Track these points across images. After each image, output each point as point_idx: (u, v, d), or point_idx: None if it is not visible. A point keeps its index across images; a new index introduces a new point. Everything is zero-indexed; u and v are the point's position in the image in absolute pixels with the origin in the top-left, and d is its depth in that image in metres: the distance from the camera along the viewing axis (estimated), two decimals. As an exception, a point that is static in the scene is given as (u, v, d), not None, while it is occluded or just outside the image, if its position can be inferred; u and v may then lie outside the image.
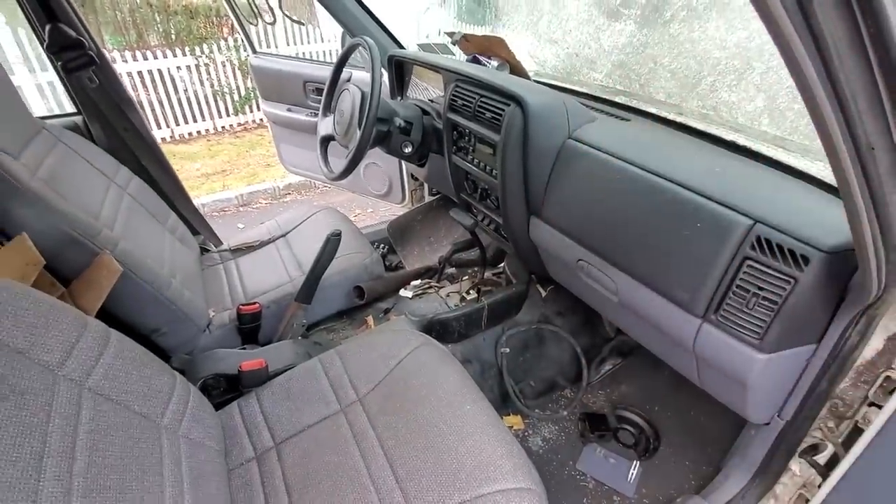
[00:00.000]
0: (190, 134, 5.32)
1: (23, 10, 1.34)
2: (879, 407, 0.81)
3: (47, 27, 1.31)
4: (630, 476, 1.27)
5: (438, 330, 1.38)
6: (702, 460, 1.29)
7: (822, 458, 0.99)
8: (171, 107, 5.14)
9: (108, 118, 1.49)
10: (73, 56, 1.35)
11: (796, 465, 1.01)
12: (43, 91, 4.37)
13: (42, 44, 1.36)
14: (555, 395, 1.49)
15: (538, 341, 1.49)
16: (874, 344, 0.80)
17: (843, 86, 0.42)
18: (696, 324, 0.85)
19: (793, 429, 0.94)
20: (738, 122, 1.11)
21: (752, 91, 1.13)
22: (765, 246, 0.75)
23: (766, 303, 0.75)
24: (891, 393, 0.79)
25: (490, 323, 1.44)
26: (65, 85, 1.45)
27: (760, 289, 0.76)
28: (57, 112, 1.60)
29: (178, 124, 5.24)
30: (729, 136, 1.02)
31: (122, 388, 0.81)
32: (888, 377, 0.82)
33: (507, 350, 1.42)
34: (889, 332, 0.78)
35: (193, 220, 1.80)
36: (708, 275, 0.81)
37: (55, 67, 1.41)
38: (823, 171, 0.87)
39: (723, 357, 0.83)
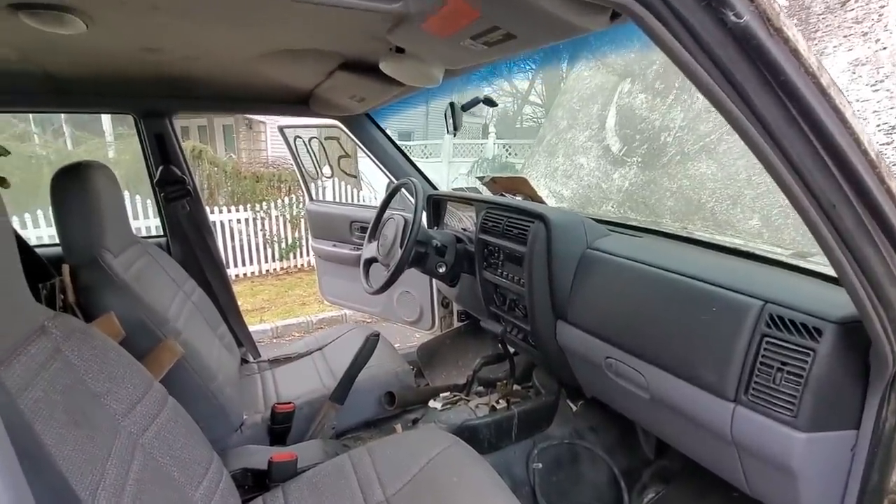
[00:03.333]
0: (237, 276, 5.78)
1: (144, 155, 1.71)
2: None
3: (160, 167, 1.65)
4: None
5: (468, 437, 1.34)
6: None
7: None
8: (225, 252, 5.70)
9: (189, 239, 1.75)
10: (175, 189, 1.67)
11: None
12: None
13: (152, 180, 1.69)
14: (595, 526, 1.35)
15: (572, 459, 1.41)
16: (918, 426, 0.78)
17: (790, 153, 0.56)
18: (729, 408, 0.86)
19: (860, 539, 0.85)
20: (742, 236, 1.24)
21: (748, 212, 1.29)
22: (779, 322, 0.80)
23: (791, 376, 0.78)
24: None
25: (520, 434, 1.40)
26: (161, 211, 1.75)
27: (784, 364, 0.79)
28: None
29: (228, 267, 5.74)
30: (730, 242, 1.14)
31: (168, 451, 0.84)
32: (944, 467, 0.78)
33: (540, 465, 1.35)
34: (928, 411, 0.77)
35: (240, 333, 1.92)
36: (732, 354, 0.85)
37: (156, 197, 1.73)
38: (823, 267, 0.96)
39: (763, 440, 0.82)
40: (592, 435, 1.45)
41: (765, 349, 0.81)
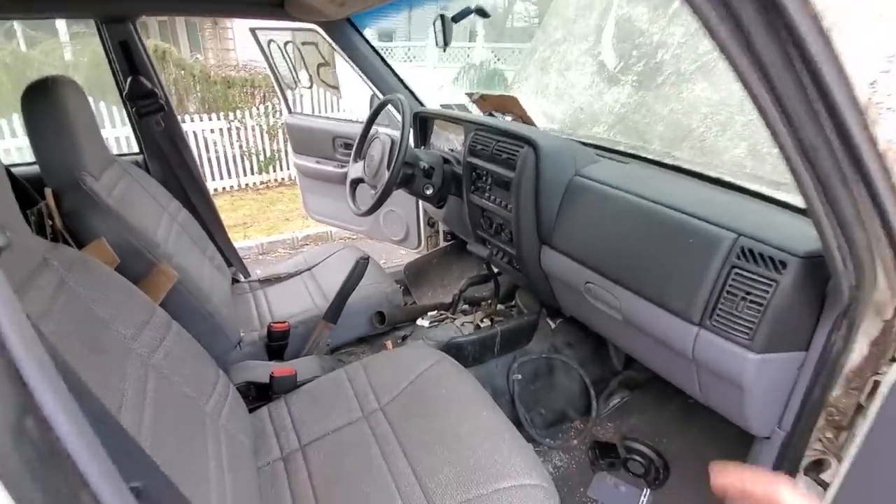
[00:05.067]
0: (216, 189, 5.64)
1: (109, 64, 1.58)
2: (869, 412, 0.87)
3: (129, 79, 1.54)
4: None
5: (454, 353, 1.46)
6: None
7: (827, 477, 1.02)
8: (201, 164, 5.50)
9: (167, 156, 1.69)
10: (147, 103, 1.57)
11: (802, 483, 1.04)
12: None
13: (121, 93, 1.59)
14: (565, 425, 1.53)
15: (548, 371, 1.55)
16: (859, 349, 0.88)
17: (784, 100, 0.56)
18: (693, 331, 0.95)
19: (793, 441, 0.99)
20: (725, 166, 1.26)
21: (736, 140, 1.30)
22: (748, 255, 0.86)
23: (753, 305, 0.85)
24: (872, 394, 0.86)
25: (502, 350, 1.52)
26: (134, 127, 1.67)
27: (748, 293, 0.86)
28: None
29: (205, 180, 5.58)
30: (715, 173, 1.16)
31: (178, 370, 0.90)
32: (876, 382, 0.89)
33: (519, 377, 1.48)
34: (871, 337, 0.86)
35: (228, 253, 1.94)
36: (701, 284, 0.92)
37: (128, 112, 1.63)
38: (797, 200, 1.00)
39: (719, 359, 0.91)
40: (568, 349, 1.58)
41: (732, 279, 0.88)
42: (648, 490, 1.30)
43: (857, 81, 0.54)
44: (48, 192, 1.13)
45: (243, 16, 1.91)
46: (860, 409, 0.92)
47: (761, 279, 0.84)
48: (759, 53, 0.53)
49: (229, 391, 1.04)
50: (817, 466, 1.02)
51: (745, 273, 0.86)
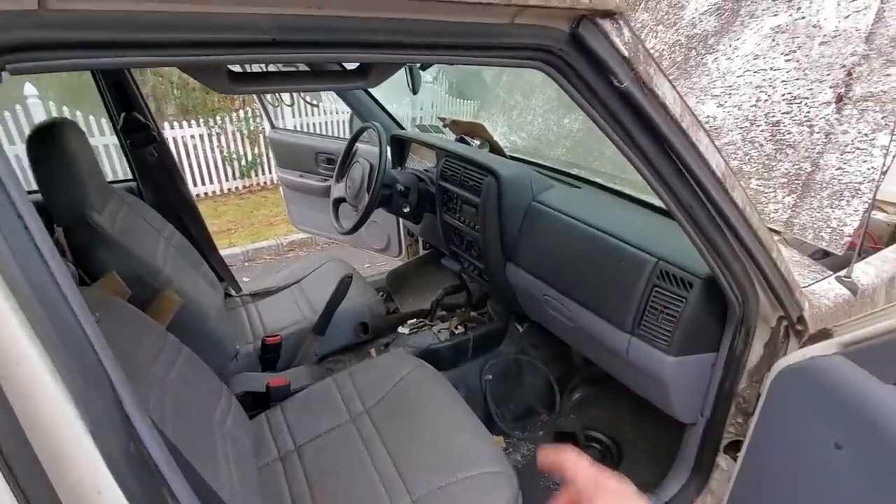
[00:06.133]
0: (198, 195, 5.68)
1: (103, 100, 1.70)
2: (766, 400, 1.07)
3: (123, 114, 1.66)
4: (596, 485, 1.47)
5: (431, 359, 1.62)
6: (657, 468, 1.50)
7: (741, 455, 1.22)
8: (182, 171, 5.52)
9: (160, 184, 1.82)
10: (140, 136, 1.69)
11: (723, 461, 1.24)
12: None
13: (115, 126, 1.70)
14: (532, 419, 1.71)
15: (517, 370, 1.73)
16: (756, 349, 1.07)
17: (661, 172, 0.74)
18: (626, 338, 1.13)
19: (713, 426, 1.19)
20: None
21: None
22: (665, 276, 1.05)
23: (669, 317, 1.04)
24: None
25: (475, 353, 1.69)
26: (128, 157, 1.79)
27: (665, 307, 1.05)
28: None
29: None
30: (647, 198, 1.35)
31: (189, 387, 1.05)
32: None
33: (490, 377, 1.66)
34: (763, 340, 1.06)
35: (220, 269, 2.07)
36: (631, 299, 1.10)
37: (122, 144, 1.75)
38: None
39: (646, 361, 1.10)
40: (534, 350, 1.76)
41: (653, 296, 1.07)
42: (602, 472, 1.49)
43: (711, 161, 0.72)
44: (59, 230, 1.25)
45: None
46: (760, 397, 1.12)
47: (674, 296, 1.03)
48: (641, 146, 0.70)
49: (232, 401, 1.19)
50: (734, 446, 1.22)
51: (663, 291, 1.05)
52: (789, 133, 1.28)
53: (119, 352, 0.91)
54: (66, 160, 1.29)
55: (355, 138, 1.86)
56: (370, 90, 2.19)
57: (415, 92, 1.34)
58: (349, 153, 1.88)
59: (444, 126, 2.05)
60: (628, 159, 0.73)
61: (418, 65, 1.37)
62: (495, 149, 1.88)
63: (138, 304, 1.32)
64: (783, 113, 1.31)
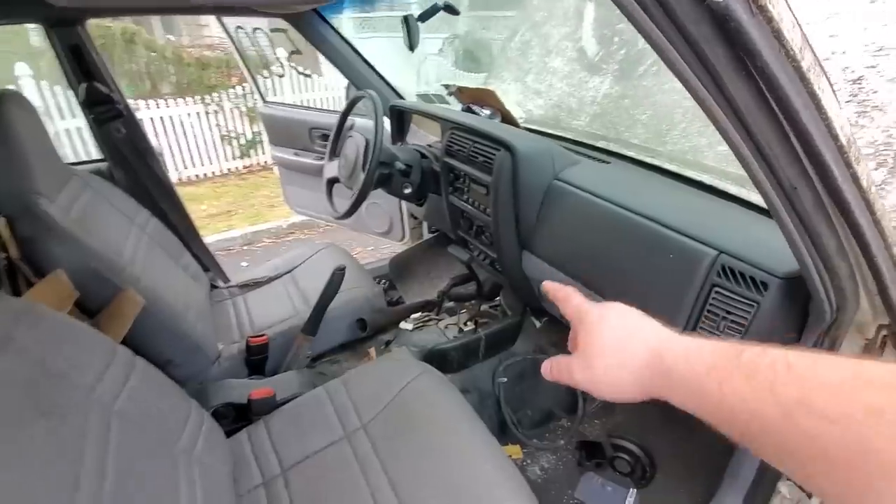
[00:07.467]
0: (197, 176, 5.50)
1: (63, 69, 1.48)
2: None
3: (83, 85, 1.45)
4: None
5: (438, 360, 1.44)
6: (697, 487, 1.32)
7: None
8: (180, 151, 5.34)
9: (132, 164, 1.62)
10: (104, 110, 1.49)
11: (785, 488, 1.05)
12: (59, 137, 4.57)
13: (77, 98, 1.50)
14: (552, 424, 1.53)
15: (534, 371, 1.54)
16: (838, 364, 0.87)
17: (758, 138, 0.52)
18: (674, 347, 0.93)
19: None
20: (706, 164, 1.22)
21: (719, 136, 1.25)
22: (729, 274, 0.83)
23: (734, 325, 0.83)
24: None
25: (487, 353, 1.50)
26: (94, 135, 1.59)
27: (728, 313, 0.84)
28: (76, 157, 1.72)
29: (185, 167, 5.43)
30: (697, 176, 1.13)
31: (144, 412, 0.87)
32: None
33: (505, 380, 1.48)
34: (853, 351, 0.85)
35: (204, 259, 1.89)
36: (682, 302, 0.89)
37: (87, 119, 1.55)
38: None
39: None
40: (554, 349, 1.56)
41: (713, 298, 0.85)
42: (635, 490, 1.32)
43: (836, 121, 0.50)
44: (1, 220, 1.07)
45: (199, 12, 1.80)
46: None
47: (742, 300, 0.81)
48: (732, 97, 0.48)
49: (203, 420, 1.01)
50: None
51: (726, 292, 0.84)
52: (875, 92, 1.04)
53: (42, 375, 0.73)
54: (7, 139, 1.10)
55: (348, 110, 1.64)
56: (368, 59, 1.95)
57: (412, 48, 1.11)
58: (342, 127, 1.66)
59: (450, 94, 1.82)
60: (709, 116, 0.52)
61: (416, 19, 1.14)
62: (507, 119, 1.65)
63: (94, 307, 1.14)
64: (867, 67, 1.07)
